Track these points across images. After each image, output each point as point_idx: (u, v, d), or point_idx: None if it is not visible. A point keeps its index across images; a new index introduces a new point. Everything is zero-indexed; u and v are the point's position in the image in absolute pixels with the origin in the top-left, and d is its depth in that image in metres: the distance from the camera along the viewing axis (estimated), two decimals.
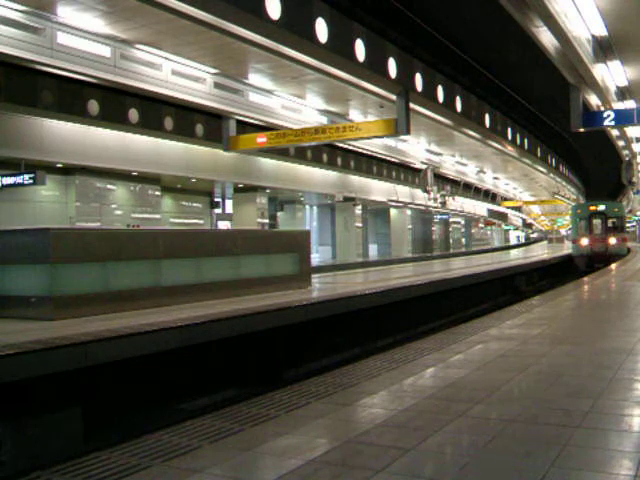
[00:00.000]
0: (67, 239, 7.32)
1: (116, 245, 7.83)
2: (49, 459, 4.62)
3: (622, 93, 18.72)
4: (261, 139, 18.75)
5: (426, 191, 28.48)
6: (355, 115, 22.03)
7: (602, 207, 26.71)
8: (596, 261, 24.59)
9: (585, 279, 14.58)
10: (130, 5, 11.44)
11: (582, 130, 16.87)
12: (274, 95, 19.33)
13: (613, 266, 19.90)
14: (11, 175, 14.37)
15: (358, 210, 31.99)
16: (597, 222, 26.28)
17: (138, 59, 14.88)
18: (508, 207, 57.23)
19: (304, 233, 12.34)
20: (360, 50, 15.96)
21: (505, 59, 28.04)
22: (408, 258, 32.10)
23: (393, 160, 30.42)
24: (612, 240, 25.69)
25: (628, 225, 47.59)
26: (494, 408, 3.73)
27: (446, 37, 22.56)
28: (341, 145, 24.99)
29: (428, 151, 30.43)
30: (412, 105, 17.62)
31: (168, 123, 17.93)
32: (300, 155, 24.26)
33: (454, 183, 39.32)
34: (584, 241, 25.80)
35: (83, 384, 5.47)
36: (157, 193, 19.71)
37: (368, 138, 18.63)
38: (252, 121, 19.70)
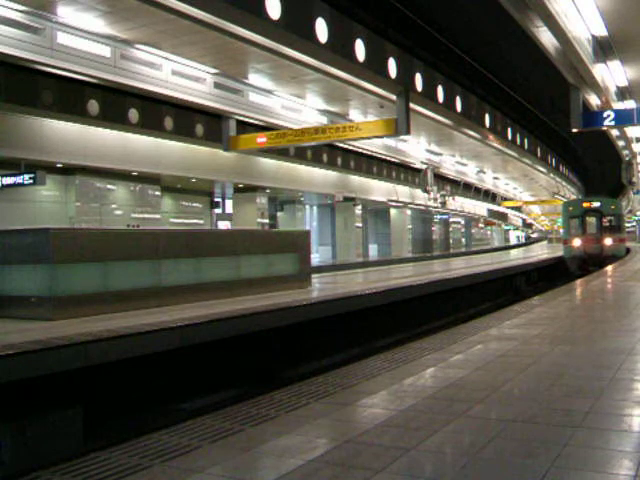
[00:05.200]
0: (67, 239, 7.32)
1: (116, 245, 7.83)
2: (49, 459, 4.62)
3: (622, 93, 18.73)
4: (261, 139, 18.76)
5: (426, 191, 28.47)
6: (355, 115, 22.03)
7: (597, 204, 24.20)
8: (590, 264, 22.40)
9: (584, 279, 14.58)
10: (130, 5, 11.44)
11: (582, 130, 16.88)
12: (274, 95, 19.33)
13: (612, 267, 19.61)
14: (11, 175, 14.37)
15: (358, 210, 31.99)
16: (591, 221, 23.90)
17: (138, 59, 14.89)
18: (508, 207, 57.25)
19: (304, 233, 12.33)
20: (360, 50, 15.97)
21: (505, 59, 28.06)
22: (408, 258, 32.10)
23: (393, 160, 30.43)
24: (608, 241, 23.42)
25: (628, 225, 46.95)
26: (494, 408, 3.72)
27: (446, 37, 22.58)
28: (341, 145, 24.99)
29: (428, 151, 30.44)
30: (412, 105, 17.62)
31: (168, 123, 17.93)
32: (300, 155, 24.26)
33: (454, 183, 39.33)
34: (576, 242, 23.59)
35: (83, 384, 5.47)
36: (157, 193, 19.70)
37: (368, 138, 18.63)
38: (252, 121, 19.71)
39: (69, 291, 7.07)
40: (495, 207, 53.08)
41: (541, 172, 40.17)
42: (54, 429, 5.22)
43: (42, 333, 5.78)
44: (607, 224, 23.80)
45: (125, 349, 5.68)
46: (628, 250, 28.34)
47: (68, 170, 16.62)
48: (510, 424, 3.39)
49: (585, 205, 24.55)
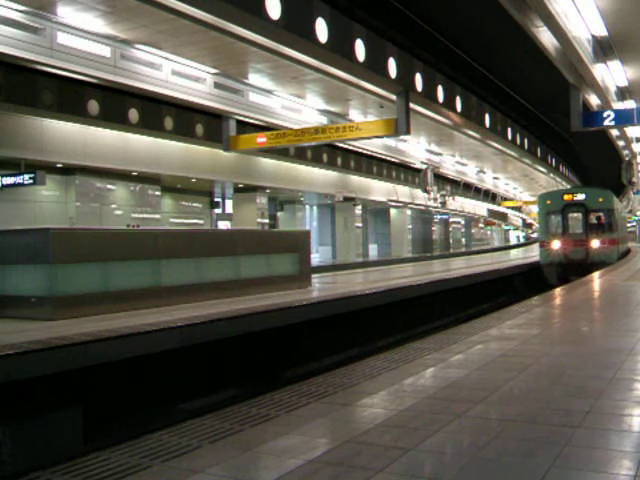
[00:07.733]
0: (67, 239, 7.32)
1: (116, 245, 7.83)
2: (49, 459, 4.62)
3: (622, 93, 18.74)
4: (261, 139, 18.77)
5: (426, 191, 28.49)
6: (355, 115, 22.03)
7: (581, 196, 19.44)
8: (572, 272, 17.73)
9: (584, 280, 14.57)
10: (130, 5, 11.44)
11: (582, 130, 16.89)
12: (274, 95, 19.33)
13: (611, 267, 18.14)
14: (11, 175, 14.37)
15: (358, 210, 32.00)
16: (574, 217, 19.37)
17: (138, 59, 14.88)
18: (508, 207, 57.26)
19: (304, 233, 12.34)
20: (360, 50, 15.96)
21: (505, 59, 28.05)
22: (408, 258, 32.10)
23: (393, 160, 30.44)
24: (594, 243, 18.89)
25: (628, 225, 46.39)
26: (494, 408, 3.72)
27: (446, 37, 22.59)
28: (341, 145, 25.00)
29: (428, 151, 30.44)
30: (412, 105, 17.63)
31: (168, 123, 17.92)
32: (300, 155, 24.26)
33: (454, 183, 39.34)
34: (555, 244, 19.23)
35: (83, 384, 5.47)
36: (157, 193, 19.70)
37: (368, 138, 18.64)
38: (252, 121, 19.71)
39: (69, 291, 7.07)
40: (495, 207, 53.12)
41: (541, 172, 40.19)
42: (54, 429, 5.22)
43: (42, 333, 5.78)
44: (594, 222, 19.28)
45: (125, 349, 5.68)
46: (628, 251, 26.37)
47: (68, 170, 16.62)
48: (510, 424, 3.39)
49: (566, 198, 19.65)
